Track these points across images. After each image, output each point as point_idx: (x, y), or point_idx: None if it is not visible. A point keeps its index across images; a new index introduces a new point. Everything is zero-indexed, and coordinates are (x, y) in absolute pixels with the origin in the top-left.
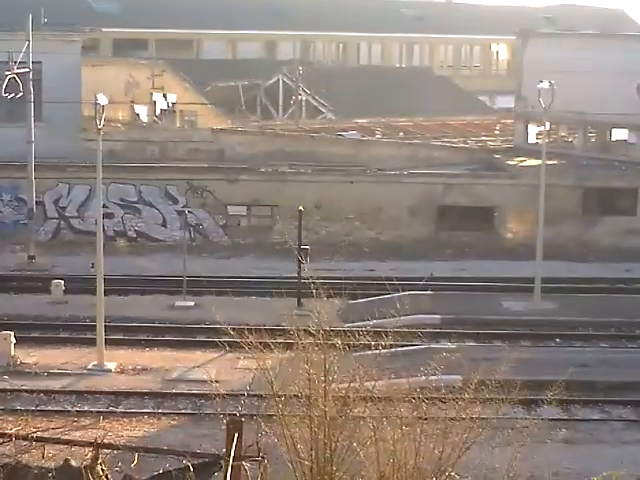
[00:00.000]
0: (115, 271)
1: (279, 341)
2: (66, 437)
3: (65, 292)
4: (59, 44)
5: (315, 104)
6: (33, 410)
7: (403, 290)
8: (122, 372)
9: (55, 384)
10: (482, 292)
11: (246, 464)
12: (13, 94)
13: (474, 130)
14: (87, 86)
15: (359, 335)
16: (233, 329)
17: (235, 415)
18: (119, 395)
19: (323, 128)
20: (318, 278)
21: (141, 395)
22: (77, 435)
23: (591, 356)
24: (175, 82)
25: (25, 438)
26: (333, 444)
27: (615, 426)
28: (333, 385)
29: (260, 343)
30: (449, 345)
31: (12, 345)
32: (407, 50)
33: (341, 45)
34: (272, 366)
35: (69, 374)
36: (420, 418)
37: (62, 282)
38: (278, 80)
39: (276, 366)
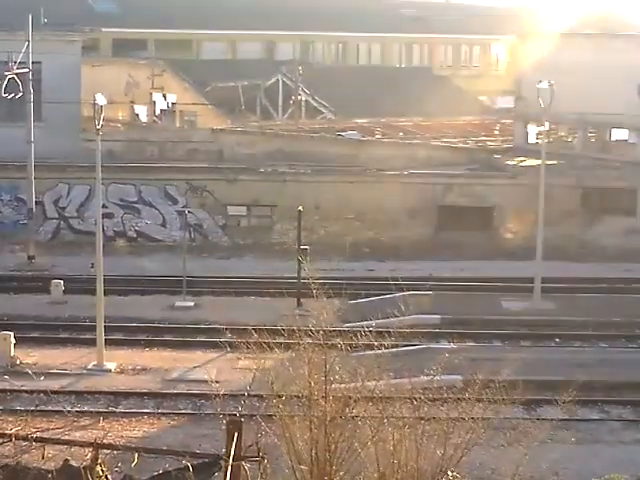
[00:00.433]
0: (115, 271)
1: (279, 341)
2: (66, 437)
3: (65, 292)
4: (59, 44)
5: (315, 104)
6: (33, 410)
7: (403, 290)
8: (122, 372)
9: (55, 384)
10: (482, 292)
11: (246, 464)
12: (13, 94)
13: (474, 130)
14: (87, 86)
15: (359, 335)
16: (233, 329)
17: (235, 415)
18: (119, 395)
19: (323, 128)
20: (318, 278)
21: (141, 395)
22: (77, 435)
23: (591, 356)
24: (175, 82)
25: (25, 438)
26: (333, 445)
27: (614, 426)
28: (333, 385)
29: (260, 343)
30: (449, 345)
31: (12, 345)
32: (406, 50)
33: (341, 45)
34: (272, 366)
35: (69, 374)
36: (421, 418)
37: (62, 282)
38: (278, 80)
39: (276, 366)
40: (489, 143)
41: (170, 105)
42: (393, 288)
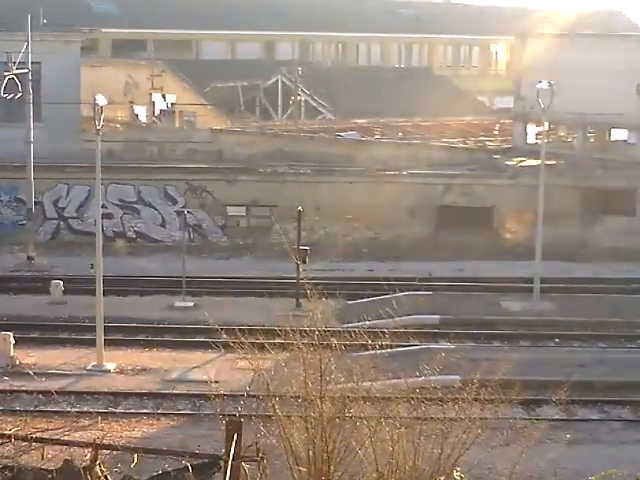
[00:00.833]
0: (114, 271)
1: (275, 341)
2: (65, 438)
3: (64, 293)
4: (58, 45)
5: (314, 104)
6: (32, 411)
7: (402, 290)
8: (121, 373)
9: (54, 385)
10: (481, 292)
11: (245, 465)
12: (12, 95)
13: (473, 130)
14: (86, 86)
15: (357, 335)
16: (232, 330)
17: (234, 416)
18: (118, 396)
19: (322, 128)
20: (317, 278)
21: (140, 396)
22: (76, 436)
23: (590, 356)
24: (174, 82)
25: (24, 439)
26: (330, 445)
27: (614, 426)
28: (331, 386)
29: (256, 344)
30: (448, 345)
31: (11, 346)
32: (406, 50)
33: (340, 45)
34: (269, 367)
35: (68, 375)
36: (419, 418)
37: (61, 283)
38: (277, 80)
39: (274, 367)
40: (488, 143)
41: (169, 105)
42: (393, 288)
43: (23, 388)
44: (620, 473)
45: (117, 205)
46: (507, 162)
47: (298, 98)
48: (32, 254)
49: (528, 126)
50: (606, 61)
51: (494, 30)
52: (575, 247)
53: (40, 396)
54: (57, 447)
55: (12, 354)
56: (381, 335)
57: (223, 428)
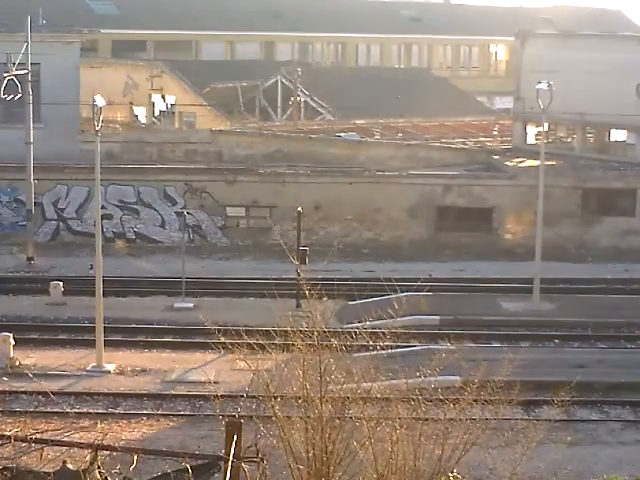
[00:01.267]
0: (114, 272)
1: (274, 342)
2: (65, 439)
3: (64, 293)
4: (58, 45)
5: (314, 105)
6: (32, 411)
7: (402, 291)
8: (121, 373)
9: (54, 385)
10: (481, 293)
11: (245, 465)
12: (12, 95)
13: (473, 131)
14: (86, 87)
15: (357, 336)
16: (231, 331)
17: (234, 416)
18: (118, 397)
19: (322, 129)
20: (317, 279)
21: (140, 396)
22: (76, 437)
23: (590, 357)
24: (174, 83)
25: (24, 440)
26: (330, 445)
27: (614, 426)
28: (331, 386)
29: (255, 345)
30: (448, 346)
31: (11, 346)
32: (405, 51)
33: (339, 46)
34: (269, 368)
35: (68, 375)
36: (419, 419)
37: (61, 283)
38: (277, 81)
39: (273, 368)
40: (488, 144)
41: (169, 106)
42: (393, 289)
43: (23, 389)
44: (622, 478)
45: (117, 206)
46: (507, 163)
47: (297, 99)
48: (32, 255)
49: (528, 127)
50: (606, 61)
51: (494, 31)
52: (575, 247)
53: (40, 397)
54: (57, 448)
55: (12, 355)
56: (381, 336)
57: (223, 429)
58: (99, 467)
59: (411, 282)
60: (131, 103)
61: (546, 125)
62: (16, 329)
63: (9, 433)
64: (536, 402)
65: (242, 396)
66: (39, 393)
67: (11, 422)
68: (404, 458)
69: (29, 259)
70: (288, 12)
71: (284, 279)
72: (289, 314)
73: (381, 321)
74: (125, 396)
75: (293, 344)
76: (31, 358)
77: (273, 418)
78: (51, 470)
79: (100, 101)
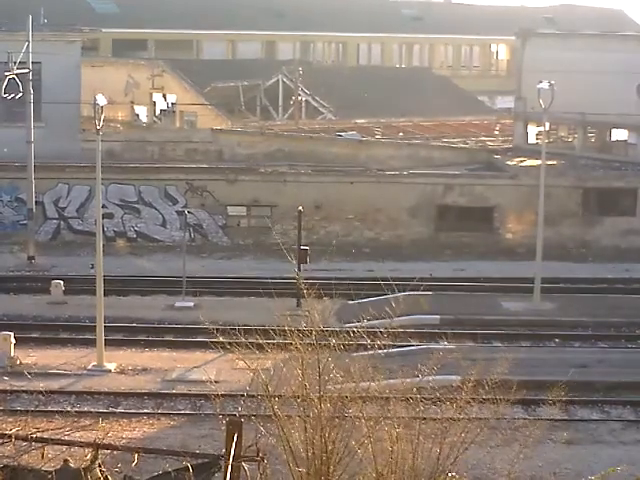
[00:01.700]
0: (115, 271)
1: (274, 342)
2: (66, 438)
3: (65, 292)
4: (59, 44)
5: (315, 104)
6: (33, 410)
7: (402, 290)
8: (122, 373)
9: (55, 384)
10: (481, 292)
11: (246, 465)
12: (13, 94)
13: (473, 130)
14: (87, 86)
15: (357, 335)
16: (231, 330)
17: (234, 415)
18: (119, 396)
19: (323, 128)
20: (317, 278)
21: (141, 396)
22: (77, 436)
23: (590, 356)
24: (175, 82)
25: (25, 439)
26: (330, 445)
27: (614, 426)
28: (331, 386)
29: (255, 344)
30: (448, 345)
31: (12, 345)
32: (407, 50)
33: (341, 45)
34: (269, 367)
35: (69, 375)
36: (418, 418)
37: (62, 282)
38: (278, 80)
39: (273, 367)
40: (489, 143)
41: (170, 105)
42: (393, 288)
43: (24, 388)
44: (619, 468)
45: (118, 205)
46: (508, 162)
47: (299, 98)
48: (32, 254)
49: (529, 126)
50: (607, 61)
51: (495, 30)
52: (575, 247)
53: (40, 396)
54: (57, 447)
55: (13, 354)
56: (381, 335)
57: (223, 428)
58: (100, 466)
59: (412, 282)
60: (132, 102)
61: (547, 125)
62: (17, 328)
63: (10, 432)
64: (536, 402)
65: (242, 395)
66: (40, 392)
67: (12, 421)
68: (403, 457)
69: (30, 258)
70: (289, 11)
71: (285, 278)
72: (289, 313)
73: (381, 320)
74: (126, 395)
75: (292, 344)
76: (32, 357)
77: (273, 418)
78: (52, 468)
79: (101, 100)
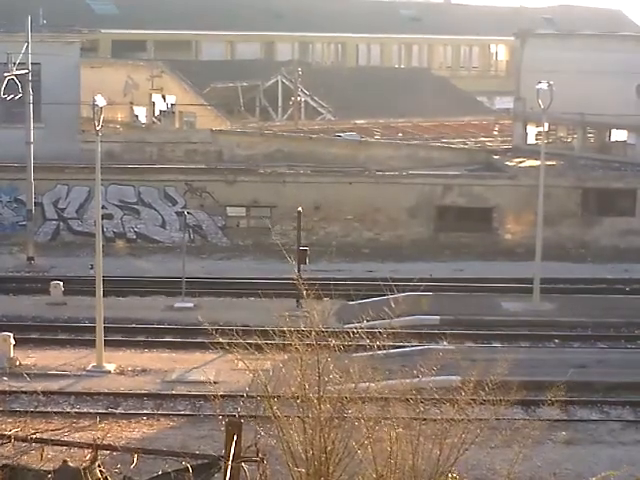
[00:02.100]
0: (114, 272)
1: (273, 342)
2: (65, 438)
3: (64, 293)
4: (58, 45)
5: (314, 105)
6: (32, 411)
7: (402, 291)
8: (121, 373)
9: (54, 385)
10: (481, 293)
11: (245, 465)
12: (12, 95)
13: (473, 131)
14: (86, 87)
15: (357, 336)
16: (231, 331)
17: (234, 416)
18: (118, 396)
19: (322, 129)
20: (317, 279)
21: (140, 396)
22: (76, 436)
23: (590, 357)
24: (174, 83)
25: (24, 439)
26: (329, 445)
27: (614, 426)
28: (331, 386)
29: (254, 345)
30: (448, 346)
31: (11, 346)
32: (406, 51)
33: (340, 46)
34: (268, 368)
35: (68, 375)
36: (418, 419)
37: (61, 283)
38: (277, 81)
39: (273, 368)
40: (488, 144)
41: (169, 106)
42: (392, 289)
43: (23, 389)
44: (618, 472)
45: (117, 206)
46: (507, 162)
47: (298, 99)
48: (32, 255)
49: (528, 126)
50: (606, 61)
51: (494, 30)
52: (575, 247)
53: (40, 397)
54: (57, 448)
55: (12, 355)
56: (380, 336)
57: (223, 429)
58: (99, 466)
59: (411, 282)
60: (131, 103)
61: (546, 125)
62: (16, 329)
63: (9, 433)
64: (536, 402)
65: (242, 396)
66: (39, 393)
67: (11, 422)
68: (403, 458)
69: (29, 259)
70: (288, 12)
71: (284, 279)
72: (288, 314)
73: (381, 321)
74: (125, 396)
75: (291, 344)
76: (31, 358)
77: (271, 418)
78: (52, 467)
79: (100, 101)
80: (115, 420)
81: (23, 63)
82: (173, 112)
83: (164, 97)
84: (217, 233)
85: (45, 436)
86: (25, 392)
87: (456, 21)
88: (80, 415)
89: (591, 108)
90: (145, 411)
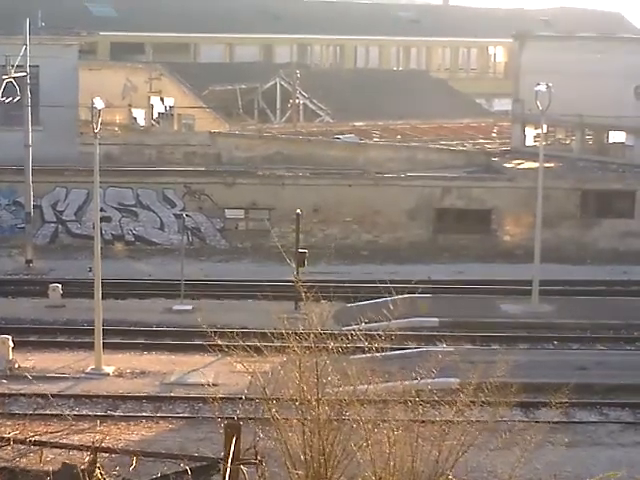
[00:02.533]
0: (113, 275)
1: (272, 345)
2: (64, 441)
3: (63, 296)
4: (56, 48)
5: (312, 107)
6: (31, 414)
7: (401, 293)
8: (120, 376)
9: (53, 388)
10: (480, 295)
11: (244, 467)
12: (10, 98)
13: (471, 133)
14: (84, 90)
15: (355, 338)
16: (229, 333)
17: (233, 419)
18: (117, 399)
19: (320, 131)
20: (315, 281)
21: (139, 399)
22: (75, 439)
23: (589, 358)
24: (172, 86)
25: (23, 442)
26: (328, 447)
27: (613, 428)
28: (329, 389)
29: (253, 347)
30: (447, 348)
31: (10, 349)
32: (404, 53)
33: (338, 48)
34: (267, 370)
35: (67, 378)
36: (416, 421)
37: (60, 286)
38: (275, 83)
39: (271, 370)
40: (487, 146)
41: (168, 108)
42: (391, 291)
43: (22, 391)
44: (619, 474)
45: (115, 208)
46: (505, 164)
47: (296, 101)
48: (30, 257)
49: (526, 128)
50: (604, 63)
51: (492, 33)
52: (574, 249)
53: (39, 399)
54: (56, 450)
55: (11, 357)
56: (379, 338)
57: (222, 431)
58: (99, 469)
59: (410, 284)
60: (130, 105)
61: (545, 127)
62: (15, 331)
63: (8, 435)
64: (535, 404)
65: (241, 398)
66: (38, 395)
67: (10, 424)
68: (402, 460)
69: (28, 262)
70: (286, 14)
71: (283, 281)
72: (287, 317)
73: (379, 323)
74: (124, 398)
75: (290, 346)
76: (30, 361)
77: (270, 421)
78: (51, 469)
79: (99, 103)
80: (114, 422)
81: (21, 66)
82: (172, 114)
83: (163, 99)
84: (216, 235)
85: (44, 439)
86: (24, 395)
87: (454, 23)
88: (79, 418)
89: (590, 110)
90: (144, 413)
